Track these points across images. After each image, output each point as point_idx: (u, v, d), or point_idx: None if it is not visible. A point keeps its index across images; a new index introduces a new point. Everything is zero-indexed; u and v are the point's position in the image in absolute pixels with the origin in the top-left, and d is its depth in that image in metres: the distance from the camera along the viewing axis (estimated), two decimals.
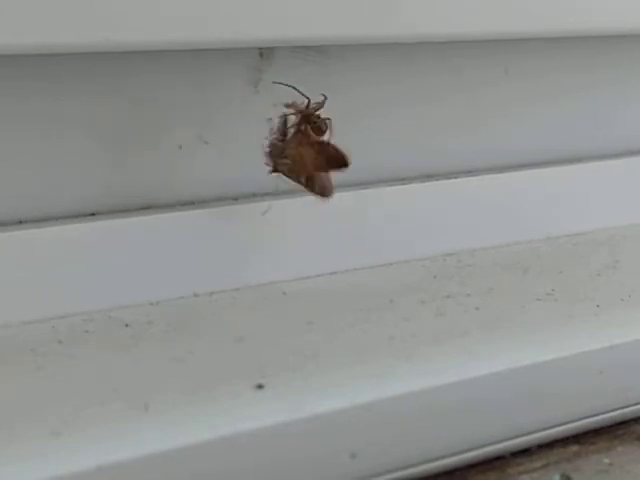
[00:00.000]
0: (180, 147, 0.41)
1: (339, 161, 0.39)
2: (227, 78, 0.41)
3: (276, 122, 0.39)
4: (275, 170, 0.40)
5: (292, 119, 0.40)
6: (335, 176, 0.40)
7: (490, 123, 0.49)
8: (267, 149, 0.39)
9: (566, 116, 0.51)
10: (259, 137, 0.40)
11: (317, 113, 0.39)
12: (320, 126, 0.39)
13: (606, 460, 0.36)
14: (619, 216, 0.52)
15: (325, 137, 0.39)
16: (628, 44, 0.52)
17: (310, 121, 0.39)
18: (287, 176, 0.40)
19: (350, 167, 0.40)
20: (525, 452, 0.36)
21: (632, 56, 0.53)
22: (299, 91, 0.39)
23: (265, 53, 0.41)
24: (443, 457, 0.34)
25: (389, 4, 0.41)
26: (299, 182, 0.40)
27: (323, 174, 0.40)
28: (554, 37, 0.49)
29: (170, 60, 0.39)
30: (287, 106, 0.39)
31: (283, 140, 0.39)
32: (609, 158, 0.52)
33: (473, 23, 0.44)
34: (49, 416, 0.30)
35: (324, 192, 0.40)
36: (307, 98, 0.39)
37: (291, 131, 0.39)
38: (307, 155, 0.39)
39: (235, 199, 0.42)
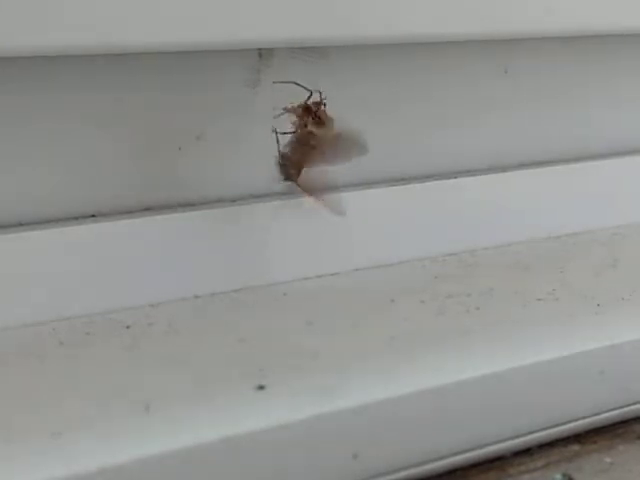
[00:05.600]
0: (179, 148, 0.41)
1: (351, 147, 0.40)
2: (226, 79, 0.41)
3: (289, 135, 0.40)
4: (288, 179, 0.40)
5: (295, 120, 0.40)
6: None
7: (490, 123, 0.49)
8: (280, 160, 0.40)
9: (566, 115, 0.51)
10: (258, 138, 0.40)
11: (317, 102, 0.39)
12: (321, 117, 0.39)
13: (607, 459, 0.36)
14: (619, 215, 0.52)
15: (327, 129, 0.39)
16: (628, 44, 0.52)
17: (311, 112, 0.39)
18: (299, 187, 0.40)
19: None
20: (526, 452, 0.36)
21: (632, 56, 0.53)
22: (301, 85, 0.39)
23: (264, 54, 0.41)
24: (444, 457, 0.34)
25: (388, 5, 0.41)
26: (311, 195, 0.40)
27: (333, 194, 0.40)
28: (554, 37, 0.49)
29: (170, 61, 0.39)
30: (286, 110, 0.39)
31: (295, 151, 0.40)
32: (609, 157, 0.52)
33: (473, 23, 0.44)
34: (50, 417, 0.30)
35: (336, 212, 0.40)
36: (309, 90, 0.39)
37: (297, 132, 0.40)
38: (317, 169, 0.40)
39: (234, 200, 0.42)
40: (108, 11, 0.36)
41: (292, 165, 0.39)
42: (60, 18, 0.35)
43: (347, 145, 0.40)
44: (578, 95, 0.52)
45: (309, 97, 0.39)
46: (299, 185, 0.40)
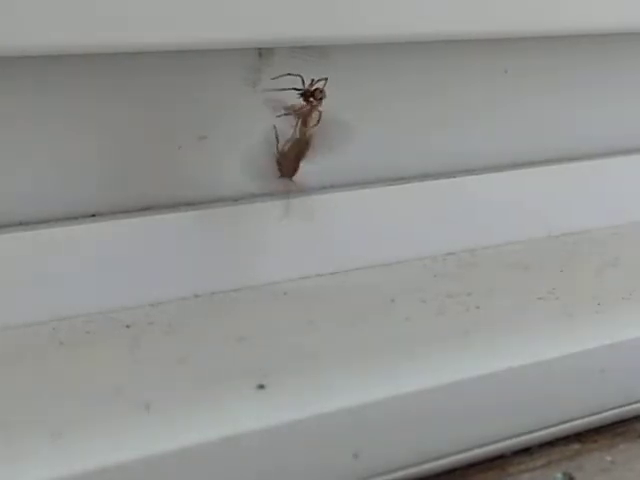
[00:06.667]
0: (179, 147, 0.41)
1: None
2: (226, 78, 0.41)
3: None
4: (285, 176, 0.40)
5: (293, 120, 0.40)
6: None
7: (490, 122, 0.49)
8: (278, 158, 0.40)
9: (566, 115, 0.51)
10: (259, 137, 0.40)
11: (316, 87, 0.39)
12: (323, 91, 0.39)
13: (608, 458, 0.36)
14: (620, 214, 0.52)
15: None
16: (628, 42, 0.52)
17: (314, 93, 0.39)
18: (295, 184, 0.40)
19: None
20: (526, 451, 0.36)
21: (632, 54, 0.53)
22: (296, 89, 0.39)
23: (264, 53, 0.41)
24: (444, 456, 0.34)
25: (388, 4, 0.41)
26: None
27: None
28: (554, 36, 0.49)
29: (170, 60, 0.39)
30: (286, 109, 0.39)
31: (293, 149, 0.40)
32: (609, 156, 0.52)
33: (473, 22, 0.44)
34: (50, 417, 0.30)
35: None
36: (301, 90, 0.39)
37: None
38: None
39: (235, 200, 0.42)
40: (108, 11, 0.36)
41: (289, 163, 0.40)
42: (60, 18, 0.35)
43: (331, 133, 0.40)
44: (578, 94, 0.52)
45: (303, 84, 0.39)
46: (295, 183, 0.40)
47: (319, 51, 0.42)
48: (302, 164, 0.40)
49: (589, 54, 0.51)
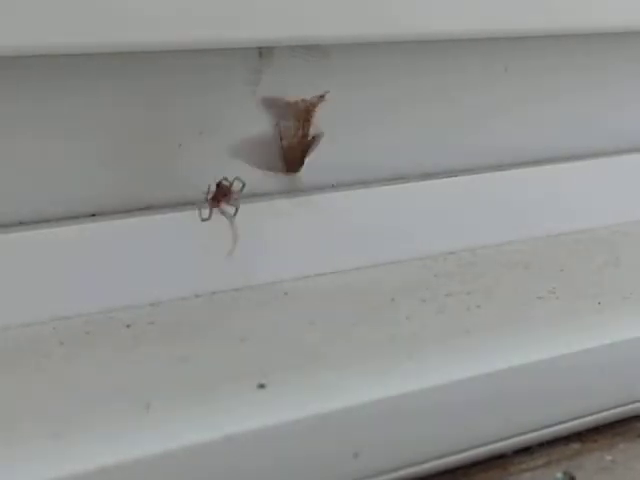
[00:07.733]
0: (180, 147, 0.41)
1: None
2: (227, 78, 0.41)
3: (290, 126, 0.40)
4: (290, 172, 0.40)
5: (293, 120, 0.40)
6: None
7: (490, 121, 0.49)
8: (282, 154, 0.40)
9: (566, 114, 0.51)
10: (258, 136, 0.40)
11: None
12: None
13: (608, 457, 0.36)
14: (620, 213, 0.52)
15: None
16: (628, 42, 0.52)
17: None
18: (302, 179, 0.40)
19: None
20: (527, 450, 0.36)
21: (632, 54, 0.53)
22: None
23: (265, 53, 0.41)
24: (445, 455, 0.34)
25: (389, 3, 0.41)
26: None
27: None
28: (554, 35, 0.49)
29: (170, 60, 0.39)
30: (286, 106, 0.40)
31: (298, 144, 0.40)
32: (610, 155, 0.52)
33: (473, 21, 0.44)
34: (50, 417, 0.30)
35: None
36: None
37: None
38: None
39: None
40: (108, 11, 0.36)
41: (295, 158, 0.40)
42: (60, 18, 0.35)
43: None
44: (578, 93, 0.52)
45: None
46: (299, 179, 0.40)
47: (320, 50, 0.42)
48: (306, 161, 0.40)
49: (589, 53, 0.51)
